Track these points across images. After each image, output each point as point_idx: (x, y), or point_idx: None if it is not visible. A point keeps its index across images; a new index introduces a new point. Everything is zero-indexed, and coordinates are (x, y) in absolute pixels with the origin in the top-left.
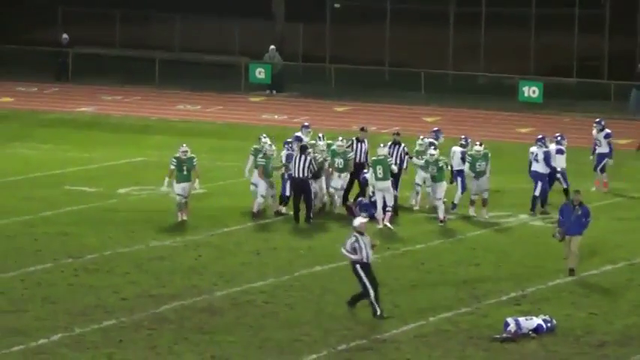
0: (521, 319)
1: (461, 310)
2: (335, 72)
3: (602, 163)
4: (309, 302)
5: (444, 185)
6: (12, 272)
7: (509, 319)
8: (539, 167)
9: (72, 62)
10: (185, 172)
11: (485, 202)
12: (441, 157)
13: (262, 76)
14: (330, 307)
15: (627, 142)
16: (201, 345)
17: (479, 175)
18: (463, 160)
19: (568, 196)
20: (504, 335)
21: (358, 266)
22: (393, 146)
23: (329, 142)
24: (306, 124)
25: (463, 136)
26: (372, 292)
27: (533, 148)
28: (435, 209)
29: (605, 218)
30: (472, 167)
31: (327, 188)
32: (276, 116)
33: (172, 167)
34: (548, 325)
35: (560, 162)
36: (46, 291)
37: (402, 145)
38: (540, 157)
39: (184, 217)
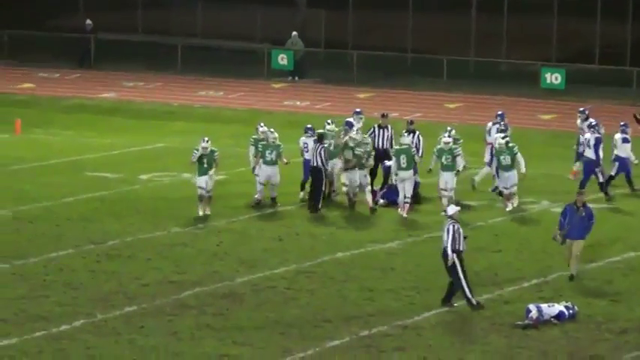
0: (543, 306)
1: (482, 297)
2: (357, 58)
3: None
4: (330, 288)
5: (453, 175)
6: (33, 258)
7: (531, 306)
8: (590, 153)
9: (94, 48)
10: (206, 166)
11: (509, 197)
12: (454, 146)
13: (285, 62)
14: (352, 294)
15: None
16: (222, 331)
17: (504, 169)
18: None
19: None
20: (526, 322)
21: (455, 255)
22: (407, 134)
23: (339, 128)
24: (358, 110)
25: (504, 122)
26: (464, 283)
27: (587, 135)
28: (440, 199)
29: (628, 204)
30: (497, 160)
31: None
32: (298, 102)
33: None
34: (570, 311)
35: (626, 150)
36: (68, 277)
37: (417, 132)
38: (592, 142)
39: (207, 212)
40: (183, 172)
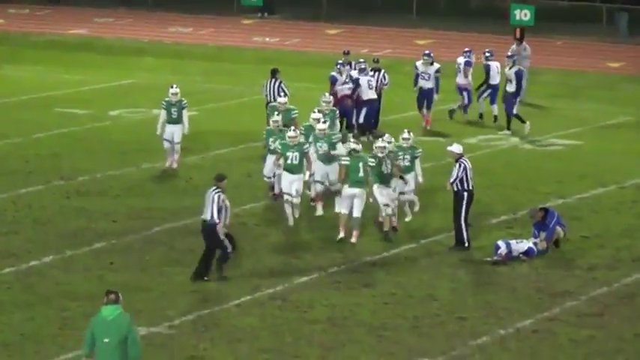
0: (512, 242)
1: (451, 233)
2: None
3: (432, 100)
4: (300, 225)
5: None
6: (3, 194)
7: (500, 242)
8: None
9: None
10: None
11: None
12: (414, 145)
13: None
14: (321, 231)
15: (618, 65)
16: (191, 267)
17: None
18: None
19: None
20: (495, 258)
21: (466, 195)
22: (372, 72)
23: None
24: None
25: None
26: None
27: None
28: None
29: (596, 142)
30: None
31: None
32: (267, 39)
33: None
34: (539, 248)
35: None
36: (37, 213)
37: (382, 70)
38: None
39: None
40: (152, 109)
